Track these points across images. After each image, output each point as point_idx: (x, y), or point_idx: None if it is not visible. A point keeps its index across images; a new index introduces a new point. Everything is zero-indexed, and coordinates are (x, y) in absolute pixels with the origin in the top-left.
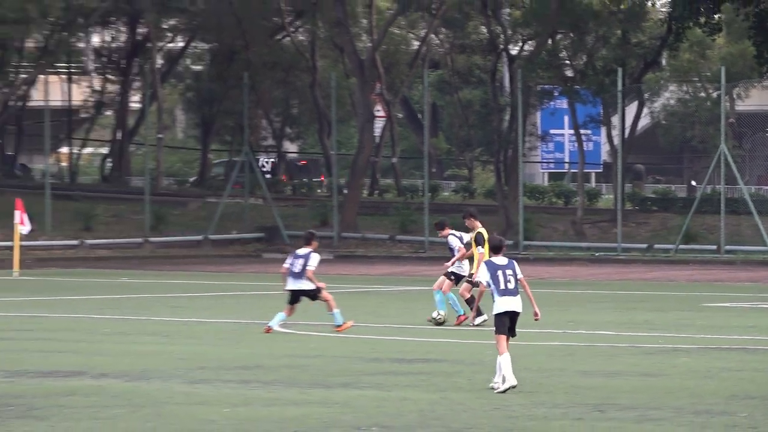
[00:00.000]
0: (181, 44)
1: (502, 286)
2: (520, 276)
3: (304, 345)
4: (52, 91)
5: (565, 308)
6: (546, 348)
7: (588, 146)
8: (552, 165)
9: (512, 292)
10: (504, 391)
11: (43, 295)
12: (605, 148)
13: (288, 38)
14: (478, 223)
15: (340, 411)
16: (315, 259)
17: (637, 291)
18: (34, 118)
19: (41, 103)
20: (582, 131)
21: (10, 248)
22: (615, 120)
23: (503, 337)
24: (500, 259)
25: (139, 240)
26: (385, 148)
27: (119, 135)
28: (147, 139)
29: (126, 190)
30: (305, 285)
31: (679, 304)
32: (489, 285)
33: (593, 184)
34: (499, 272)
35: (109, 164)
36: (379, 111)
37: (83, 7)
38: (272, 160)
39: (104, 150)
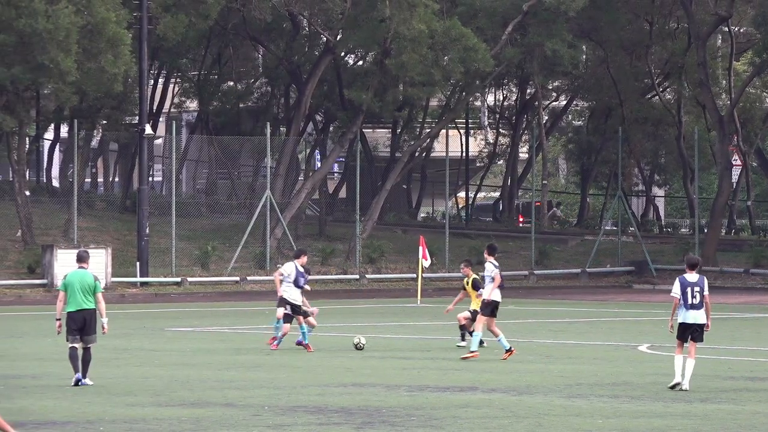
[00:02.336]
0: (564, 102)
1: (689, 301)
2: (706, 293)
3: (669, 365)
4: (451, 143)
5: None
6: None
7: None
8: None
9: (698, 307)
10: (672, 387)
11: (442, 321)
12: None
13: (657, 97)
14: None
15: (699, 422)
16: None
17: None
18: (436, 167)
19: (442, 154)
20: None
21: (414, 279)
22: None
23: (681, 342)
24: (692, 276)
25: (525, 272)
26: (741, 192)
27: (509, 181)
28: (533, 185)
29: (515, 229)
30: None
31: None
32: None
33: None
34: (689, 288)
35: (500, 206)
36: (736, 160)
37: (480, 71)
38: (517, 202)
39: (496, 194)
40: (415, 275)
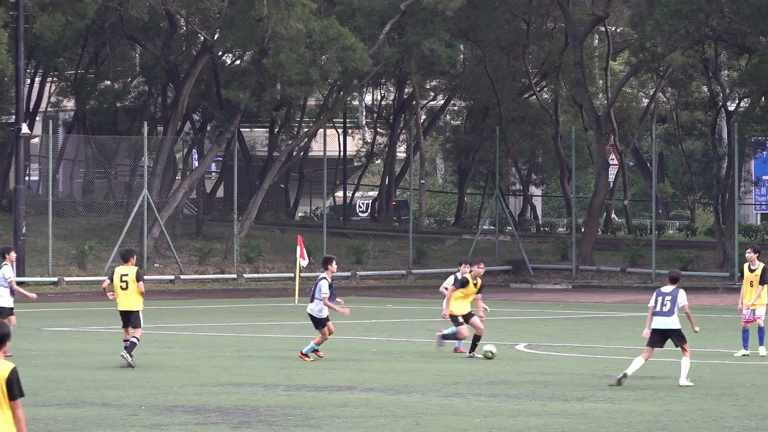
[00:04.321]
0: (442, 102)
1: (658, 308)
2: (680, 303)
3: (546, 364)
4: (329, 142)
5: None
6: (756, 366)
7: None
8: (764, 206)
9: (666, 314)
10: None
11: None
12: None
13: (534, 96)
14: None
15: (576, 421)
16: None
17: None
18: (314, 166)
19: (320, 153)
20: None
21: (292, 279)
22: None
23: (650, 348)
24: (668, 288)
25: (403, 272)
26: (618, 191)
27: (387, 180)
28: (411, 184)
29: (392, 229)
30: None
31: None
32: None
33: None
34: (660, 297)
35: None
36: (613, 159)
37: (358, 70)
38: (367, 202)
39: (373, 193)
40: (292, 275)
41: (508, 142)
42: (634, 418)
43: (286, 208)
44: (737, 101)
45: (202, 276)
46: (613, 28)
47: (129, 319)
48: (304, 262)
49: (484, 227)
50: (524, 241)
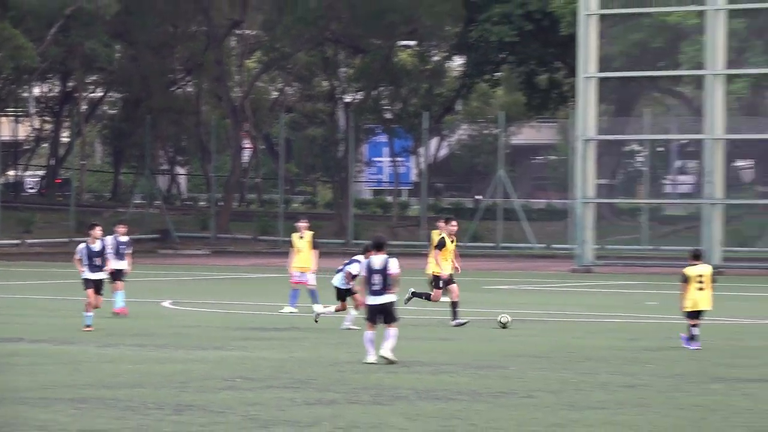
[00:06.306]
0: (101, 94)
1: (372, 288)
2: (391, 272)
3: (189, 318)
4: (3, 128)
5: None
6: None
7: (401, 170)
8: (375, 183)
9: (377, 293)
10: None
11: None
12: (414, 171)
13: (180, 89)
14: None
15: (213, 367)
16: None
17: None
18: None
19: None
20: (397, 159)
21: None
22: (422, 150)
23: (371, 324)
24: (377, 259)
25: (66, 240)
26: (251, 171)
27: (53, 161)
28: (73, 165)
29: (57, 203)
30: None
31: (466, 287)
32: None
33: (405, 198)
34: (374, 275)
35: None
36: (247, 143)
37: (28, 66)
38: (36, 179)
39: (41, 172)
40: None
41: (157, 129)
42: (262, 363)
43: None
44: (353, 94)
45: None
46: (248, 31)
47: None
48: None
49: (136, 201)
50: (170, 213)
